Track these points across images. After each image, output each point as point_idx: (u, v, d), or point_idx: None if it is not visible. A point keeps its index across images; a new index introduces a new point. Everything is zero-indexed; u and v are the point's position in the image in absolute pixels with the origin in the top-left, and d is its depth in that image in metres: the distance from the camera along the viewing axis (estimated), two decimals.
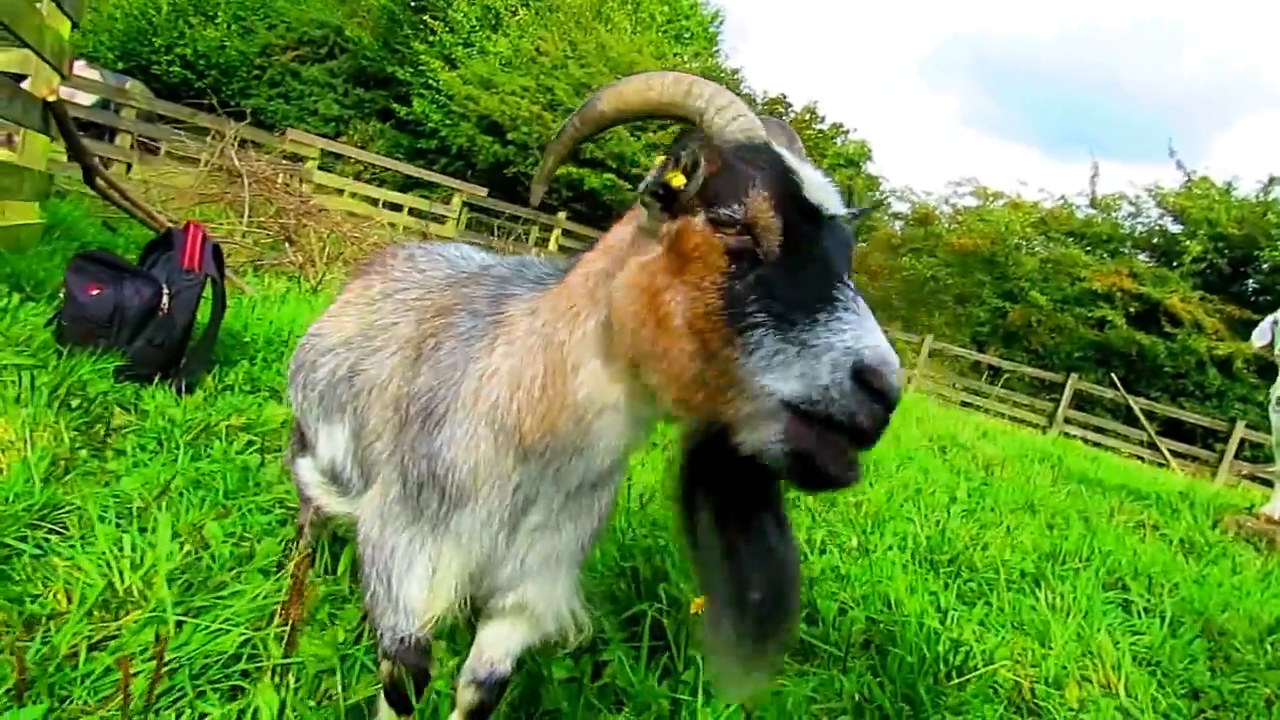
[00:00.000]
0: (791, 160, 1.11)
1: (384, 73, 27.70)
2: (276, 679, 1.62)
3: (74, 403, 3.03)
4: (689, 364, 1.07)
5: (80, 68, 12.96)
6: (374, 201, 14.76)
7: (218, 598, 1.86)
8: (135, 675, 1.49)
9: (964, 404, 16.92)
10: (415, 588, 1.40)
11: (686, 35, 28.64)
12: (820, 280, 1.01)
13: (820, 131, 25.37)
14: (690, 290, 1.07)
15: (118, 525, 2.17)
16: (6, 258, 4.50)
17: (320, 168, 13.79)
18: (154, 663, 1.53)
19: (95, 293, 3.49)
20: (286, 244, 8.57)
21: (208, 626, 1.70)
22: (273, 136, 13.31)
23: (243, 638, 1.69)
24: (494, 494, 1.33)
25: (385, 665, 1.51)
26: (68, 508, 2.23)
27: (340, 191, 14.08)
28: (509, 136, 23.88)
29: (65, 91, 10.01)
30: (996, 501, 5.27)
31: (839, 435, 0.95)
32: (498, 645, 1.60)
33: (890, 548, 3.45)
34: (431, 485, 1.36)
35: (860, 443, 0.97)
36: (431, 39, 26.54)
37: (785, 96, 25.72)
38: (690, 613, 2.13)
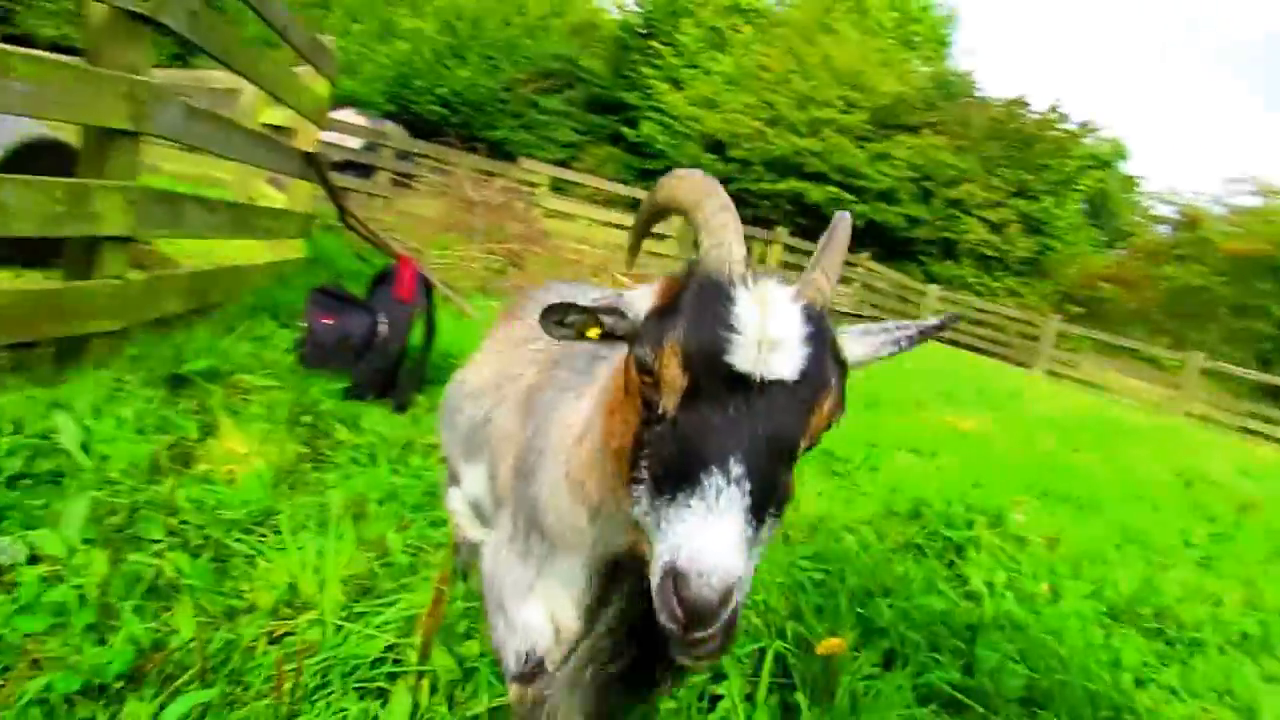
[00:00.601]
0: (742, 309, 1.01)
1: (614, 98, 29.07)
2: (412, 684, 1.81)
3: (305, 419, 3.50)
4: (614, 485, 1.12)
5: (351, 114, 14.74)
6: (600, 224, 15.41)
7: (381, 604, 2.10)
8: (294, 670, 1.73)
9: (1246, 430, 14.73)
10: (534, 616, 1.46)
11: (916, 40, 27.59)
12: (700, 457, 0.95)
13: (1066, 131, 23.39)
14: (620, 421, 1.11)
15: (320, 531, 2.50)
16: (271, 290, 5.26)
17: (556, 190, 14.70)
18: (316, 658, 1.78)
19: (327, 322, 4.01)
20: (513, 268, 9.26)
21: (361, 631, 1.93)
22: (510, 165, 14.37)
23: (388, 643, 1.92)
24: (577, 544, 1.36)
25: (514, 689, 1.56)
26: (282, 514, 2.60)
27: (571, 216, 14.87)
28: (731, 154, 24.22)
29: (336, 136, 11.50)
30: (1241, 549, 4.63)
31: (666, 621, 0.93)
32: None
33: (1084, 596, 3.16)
34: (534, 529, 1.45)
35: (676, 635, 0.93)
36: (658, 63, 27.49)
37: (1024, 98, 23.99)
38: (817, 653, 2.11)
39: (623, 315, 1.15)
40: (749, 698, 2.02)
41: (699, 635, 0.91)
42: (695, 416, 0.98)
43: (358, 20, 30.18)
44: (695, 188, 1.17)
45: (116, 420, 2.84)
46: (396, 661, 1.90)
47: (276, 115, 7.36)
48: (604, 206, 16.42)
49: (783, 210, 23.73)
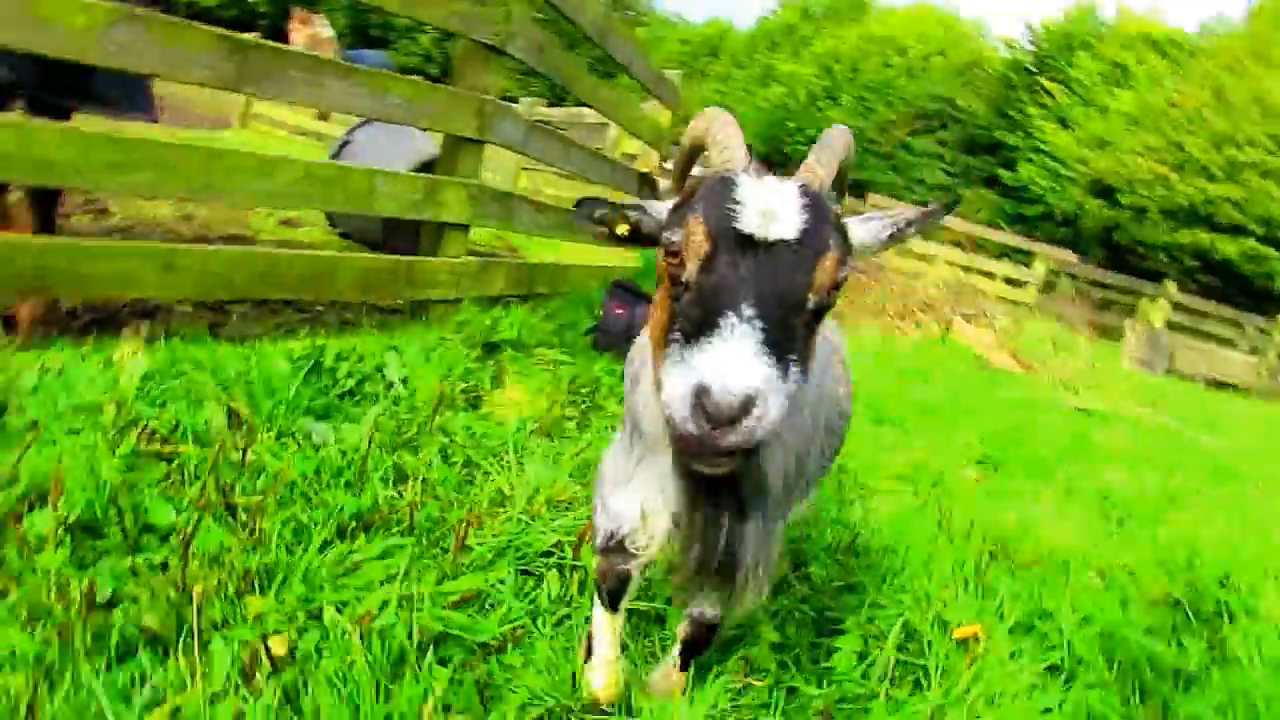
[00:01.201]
0: (746, 188, 1.19)
1: (992, 139, 27.64)
2: (565, 573, 2.14)
3: (583, 390, 4.02)
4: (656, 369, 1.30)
5: None
6: (961, 267, 14.65)
7: (563, 513, 2.46)
8: (480, 546, 2.14)
9: None
10: (626, 504, 1.66)
11: None
12: (717, 306, 1.11)
13: None
14: (660, 311, 1.29)
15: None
16: (590, 287, 6.00)
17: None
18: (494, 539, 2.18)
19: (619, 312, 4.55)
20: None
21: (536, 528, 2.30)
22: (858, 202, 14.44)
23: (556, 539, 2.26)
24: (665, 447, 1.50)
25: (597, 560, 1.82)
26: (527, 449, 3.08)
27: (927, 257, 14.40)
28: (1121, 199, 21.70)
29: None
30: None
31: (683, 442, 1.10)
32: (707, 593, 1.84)
33: None
34: (635, 431, 1.68)
35: (692, 451, 1.11)
36: (1046, 101, 25.63)
37: None
38: (953, 639, 2.04)
39: (645, 212, 1.38)
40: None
41: (725, 442, 1.06)
42: (713, 276, 1.16)
43: (741, 66, 32.14)
44: (707, 117, 1.38)
45: (432, 364, 3.55)
46: (560, 557, 2.23)
47: (631, 145, 8.32)
48: (968, 251, 15.56)
49: (1182, 266, 20.72)
